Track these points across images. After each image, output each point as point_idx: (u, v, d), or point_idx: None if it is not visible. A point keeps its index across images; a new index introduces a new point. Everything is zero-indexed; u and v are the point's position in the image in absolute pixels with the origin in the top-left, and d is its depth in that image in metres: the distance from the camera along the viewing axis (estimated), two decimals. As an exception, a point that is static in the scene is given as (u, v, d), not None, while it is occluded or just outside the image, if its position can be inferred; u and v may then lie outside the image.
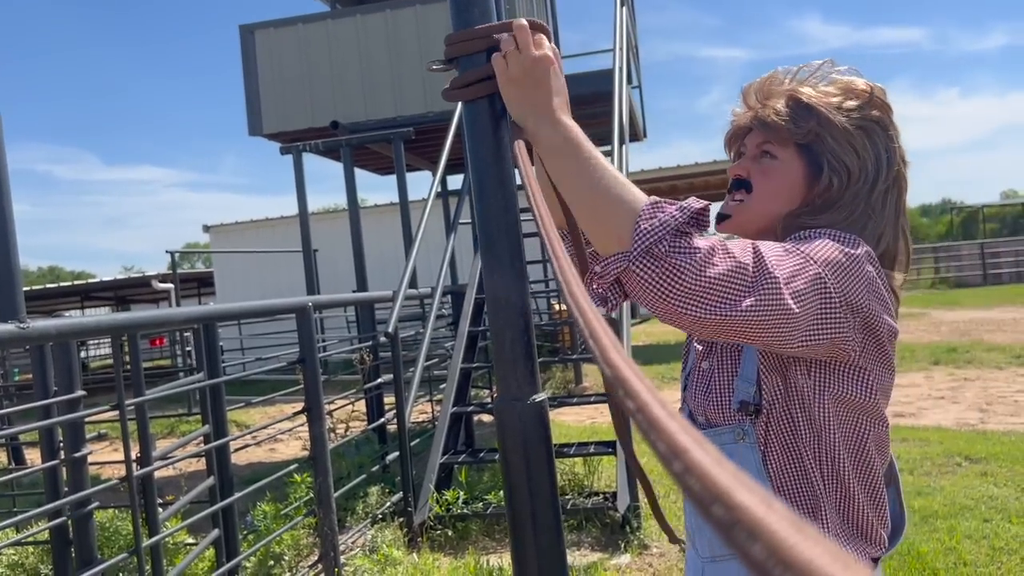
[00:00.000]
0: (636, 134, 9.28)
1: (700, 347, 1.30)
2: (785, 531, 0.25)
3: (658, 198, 0.98)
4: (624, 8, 7.33)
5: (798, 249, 1.06)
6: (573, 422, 7.98)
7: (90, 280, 23.19)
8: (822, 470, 1.16)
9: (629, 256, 0.95)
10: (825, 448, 1.16)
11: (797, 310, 1.00)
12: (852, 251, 1.11)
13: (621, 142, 5.77)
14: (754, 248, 1.00)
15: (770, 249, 1.03)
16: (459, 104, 1.04)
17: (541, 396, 0.99)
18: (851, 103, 1.22)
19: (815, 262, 1.05)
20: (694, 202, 0.97)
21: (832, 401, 1.15)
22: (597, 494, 4.76)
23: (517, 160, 0.96)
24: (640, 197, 0.98)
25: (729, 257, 0.97)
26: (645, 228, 0.95)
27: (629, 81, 7.75)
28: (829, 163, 1.20)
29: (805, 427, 1.15)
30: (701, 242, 0.96)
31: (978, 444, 5.70)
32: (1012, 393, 7.72)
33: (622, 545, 4.15)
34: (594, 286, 1.01)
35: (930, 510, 4.33)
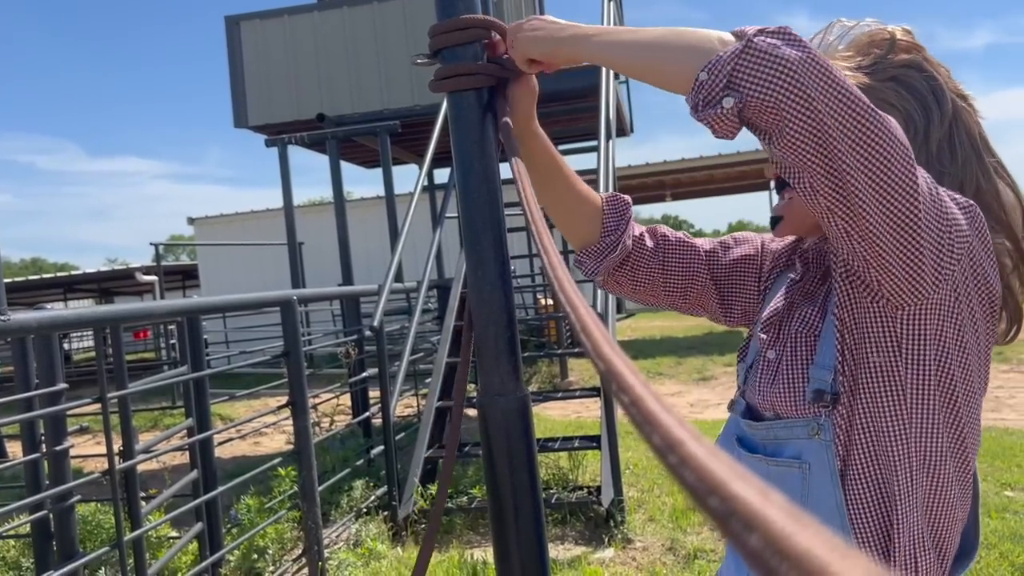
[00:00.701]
0: (623, 129, 9.29)
1: (765, 336, 1.16)
2: (782, 521, 0.25)
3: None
4: (611, 3, 7.33)
5: None
6: (558, 416, 8.00)
7: (73, 272, 22.99)
8: (912, 465, 0.99)
9: (747, 36, 0.84)
10: (918, 436, 0.99)
11: (920, 177, 0.89)
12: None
13: (608, 137, 5.77)
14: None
15: None
16: (445, 97, 1.04)
17: (524, 391, 0.99)
18: (868, 58, 1.09)
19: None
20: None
21: (932, 368, 0.98)
22: (581, 488, 4.77)
23: (507, 142, 0.96)
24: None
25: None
26: (752, 28, 0.86)
27: (616, 77, 7.75)
28: None
29: (895, 411, 0.99)
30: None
31: (959, 439, 5.75)
32: (992, 389, 7.79)
33: (606, 539, 4.17)
34: (700, 103, 0.87)
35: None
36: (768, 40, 0.83)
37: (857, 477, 1.01)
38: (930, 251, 0.91)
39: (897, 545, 0.99)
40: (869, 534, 1.00)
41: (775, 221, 1.17)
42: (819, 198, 0.89)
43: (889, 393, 0.99)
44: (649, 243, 1.28)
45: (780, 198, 1.17)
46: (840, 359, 1.01)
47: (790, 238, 1.25)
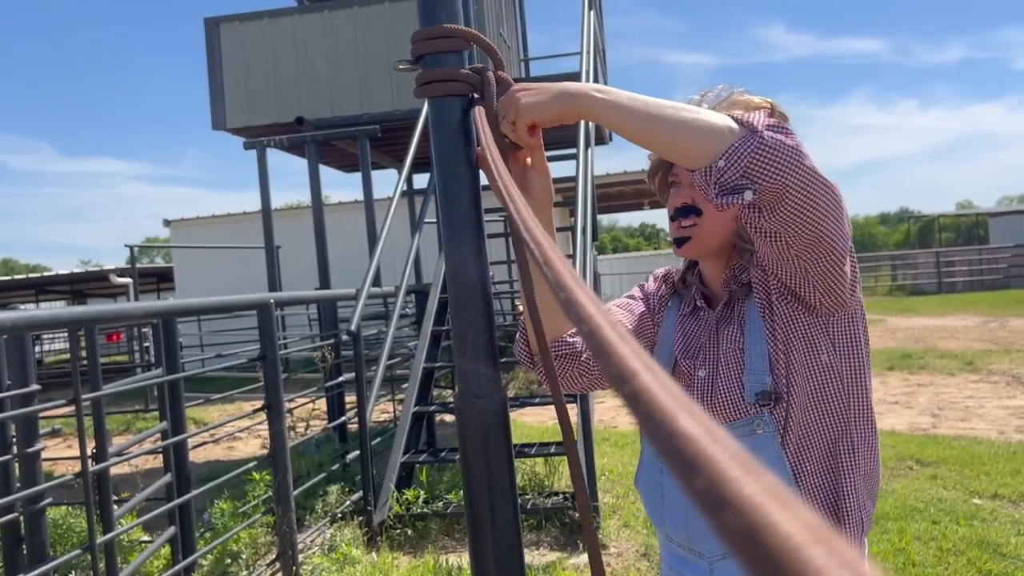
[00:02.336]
0: (602, 137, 9.34)
1: (688, 360, 1.35)
2: (727, 463, 0.25)
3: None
4: (592, 12, 7.38)
5: None
6: (535, 423, 8.01)
7: (46, 273, 22.68)
8: (852, 434, 1.24)
9: (759, 131, 1.01)
10: (854, 410, 1.24)
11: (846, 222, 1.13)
12: None
13: (587, 145, 5.81)
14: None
15: None
16: (426, 102, 1.05)
17: (502, 394, 1.00)
18: None
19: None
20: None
21: (848, 354, 1.24)
22: (557, 494, 4.79)
23: (480, 133, 0.97)
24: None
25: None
26: (752, 118, 1.02)
27: (596, 84, 7.79)
28: None
29: (832, 394, 1.24)
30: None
31: (929, 448, 5.84)
32: (963, 399, 7.91)
33: (580, 545, 4.18)
34: (713, 188, 1.04)
35: (881, 512, 4.42)
36: (774, 136, 1.01)
37: (803, 457, 1.23)
38: (849, 272, 1.18)
39: (846, 505, 1.23)
40: (819, 500, 1.24)
41: (681, 241, 1.34)
42: (791, 249, 1.12)
43: (830, 382, 1.24)
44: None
45: (680, 224, 1.34)
46: (777, 363, 1.23)
47: (660, 272, 1.52)
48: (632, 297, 1.51)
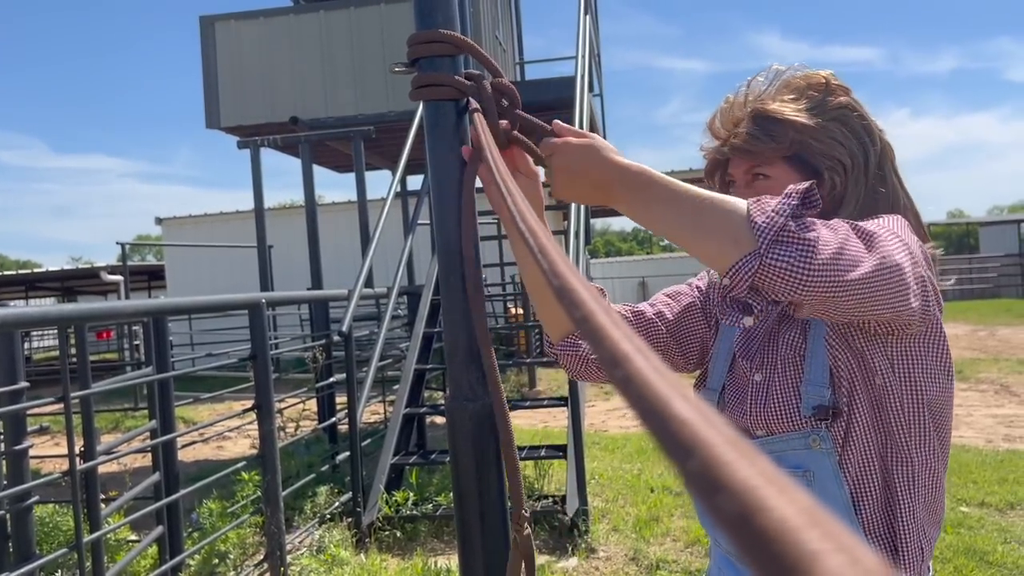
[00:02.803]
0: (596, 141, 9.35)
1: (746, 361, 1.25)
2: (721, 447, 0.25)
3: (758, 196, 1.01)
4: (588, 16, 7.40)
5: (872, 221, 1.09)
6: (526, 425, 8.01)
7: (36, 270, 22.57)
8: (913, 464, 1.15)
9: (759, 252, 0.95)
10: (916, 433, 1.15)
11: (908, 268, 1.02)
12: (899, 221, 1.13)
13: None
14: (850, 221, 1.03)
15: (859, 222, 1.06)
16: (421, 104, 1.05)
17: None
18: (814, 99, 1.22)
19: (890, 231, 1.07)
20: (798, 185, 0.99)
21: (909, 375, 1.15)
22: (547, 497, 4.78)
23: (478, 138, 0.97)
24: (737, 201, 1.00)
25: (842, 227, 1.00)
26: (763, 222, 0.95)
27: (591, 89, 7.81)
28: (824, 164, 1.20)
29: (894, 415, 1.15)
30: (815, 218, 0.99)
31: (918, 455, 5.86)
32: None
33: (570, 548, 4.18)
34: (727, 301, 1.06)
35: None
36: (777, 255, 0.94)
37: (859, 478, 1.14)
38: (918, 305, 1.07)
39: (903, 532, 1.14)
40: (876, 524, 1.15)
41: None
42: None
43: (889, 407, 1.14)
44: None
45: None
46: (839, 377, 1.14)
47: None
48: (679, 290, 1.42)
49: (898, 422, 1.15)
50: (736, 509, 0.22)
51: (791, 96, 1.23)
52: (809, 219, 0.98)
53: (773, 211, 0.96)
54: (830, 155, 1.20)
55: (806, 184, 0.99)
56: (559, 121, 1.11)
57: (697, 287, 1.41)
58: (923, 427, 1.15)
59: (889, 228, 1.07)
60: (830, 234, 0.97)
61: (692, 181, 1.07)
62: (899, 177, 1.26)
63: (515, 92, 1.04)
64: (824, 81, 1.23)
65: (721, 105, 1.30)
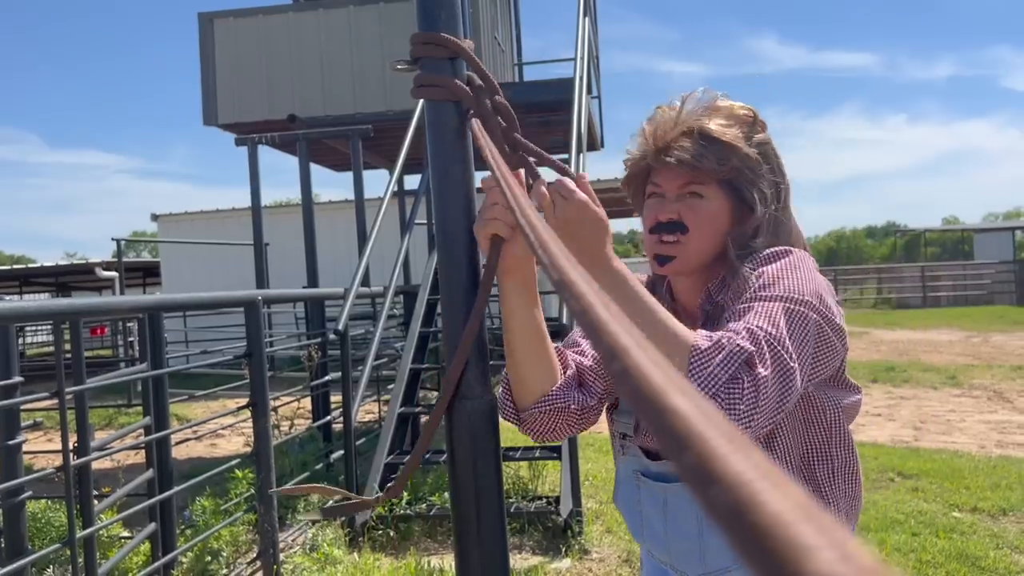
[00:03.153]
0: (594, 143, 9.37)
1: None
2: (717, 440, 0.25)
3: (706, 344, 1.03)
4: (587, 19, 7.40)
5: (781, 300, 1.12)
6: (520, 427, 8.01)
7: (30, 265, 22.52)
8: (832, 458, 1.27)
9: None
10: (835, 434, 1.27)
11: (809, 364, 1.12)
12: (804, 264, 1.19)
13: (579, 150, 5.82)
14: (770, 347, 1.05)
15: (776, 329, 1.07)
16: (419, 103, 1.05)
17: (491, 395, 1.01)
18: (743, 131, 1.26)
19: (800, 303, 1.12)
20: (743, 344, 1.03)
21: (831, 387, 1.27)
22: (540, 498, 4.79)
23: (479, 143, 0.97)
24: (685, 334, 1.04)
25: (763, 376, 1.03)
26: (698, 384, 1.00)
27: (589, 91, 7.82)
28: (754, 194, 1.25)
29: (816, 419, 1.26)
30: (745, 377, 1.02)
31: (911, 461, 5.87)
32: (944, 412, 7.96)
33: (563, 549, 4.18)
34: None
35: (861, 523, 4.45)
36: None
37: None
38: (833, 363, 1.21)
39: None
40: None
41: (664, 260, 1.28)
42: None
43: (810, 413, 1.25)
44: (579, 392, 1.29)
45: (661, 239, 1.27)
46: None
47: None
48: None
49: (820, 425, 1.26)
50: (730, 502, 0.23)
51: (726, 122, 1.26)
52: (742, 381, 1.01)
53: (710, 374, 1.00)
54: (758, 187, 1.25)
55: (747, 351, 1.02)
56: (585, 174, 1.14)
57: None
58: (840, 428, 1.27)
59: (794, 294, 1.12)
60: (751, 391, 1.00)
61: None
62: (792, 209, 1.36)
63: (514, 117, 1.03)
64: (753, 115, 1.28)
65: (656, 115, 1.31)
